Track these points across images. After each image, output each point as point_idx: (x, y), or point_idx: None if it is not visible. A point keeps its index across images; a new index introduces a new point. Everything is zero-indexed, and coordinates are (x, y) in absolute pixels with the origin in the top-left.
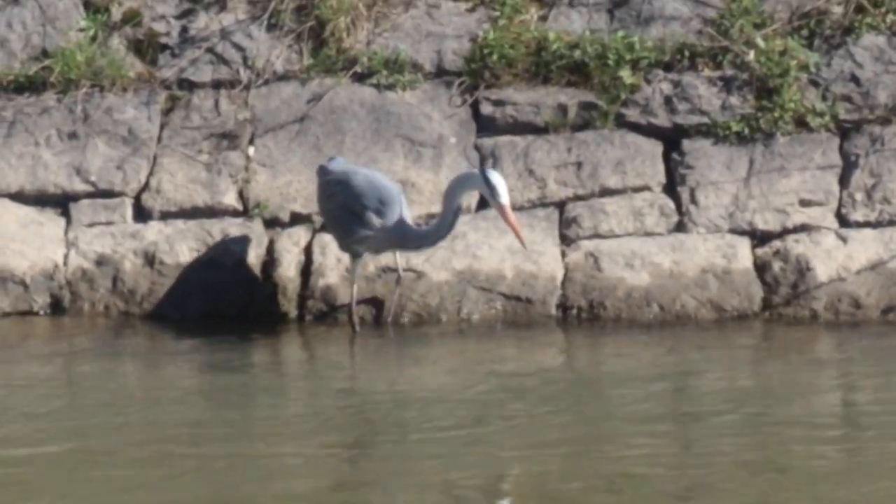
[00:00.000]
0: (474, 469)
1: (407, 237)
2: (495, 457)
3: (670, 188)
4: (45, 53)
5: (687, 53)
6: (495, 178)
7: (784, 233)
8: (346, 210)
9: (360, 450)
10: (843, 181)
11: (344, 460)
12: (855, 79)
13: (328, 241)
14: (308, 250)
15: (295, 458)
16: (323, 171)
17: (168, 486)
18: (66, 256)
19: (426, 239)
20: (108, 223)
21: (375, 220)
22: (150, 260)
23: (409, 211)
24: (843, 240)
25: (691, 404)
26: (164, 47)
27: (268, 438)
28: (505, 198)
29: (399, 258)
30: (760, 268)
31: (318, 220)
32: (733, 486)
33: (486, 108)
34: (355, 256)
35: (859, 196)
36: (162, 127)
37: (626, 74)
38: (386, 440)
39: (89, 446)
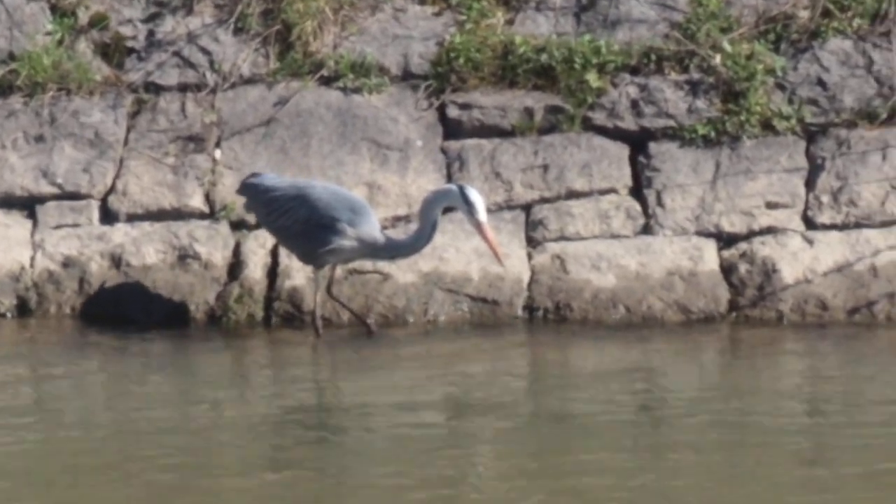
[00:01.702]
0: (430, 472)
1: (384, 247)
2: (454, 460)
3: (637, 191)
4: (11, 57)
5: (653, 57)
6: (473, 194)
7: (750, 235)
8: (311, 224)
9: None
10: (810, 184)
11: (297, 462)
12: (821, 82)
13: None
14: (274, 252)
15: (251, 458)
16: (256, 189)
17: (135, 489)
18: (32, 258)
19: (404, 249)
20: (75, 225)
21: (350, 231)
22: (116, 262)
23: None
24: (810, 242)
25: (656, 406)
26: (131, 51)
27: (227, 438)
28: (482, 214)
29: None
30: (727, 270)
31: None
32: (694, 490)
33: (453, 112)
34: (319, 267)
35: (825, 199)
36: (128, 130)
37: (592, 78)
38: (335, 447)
39: (54, 452)
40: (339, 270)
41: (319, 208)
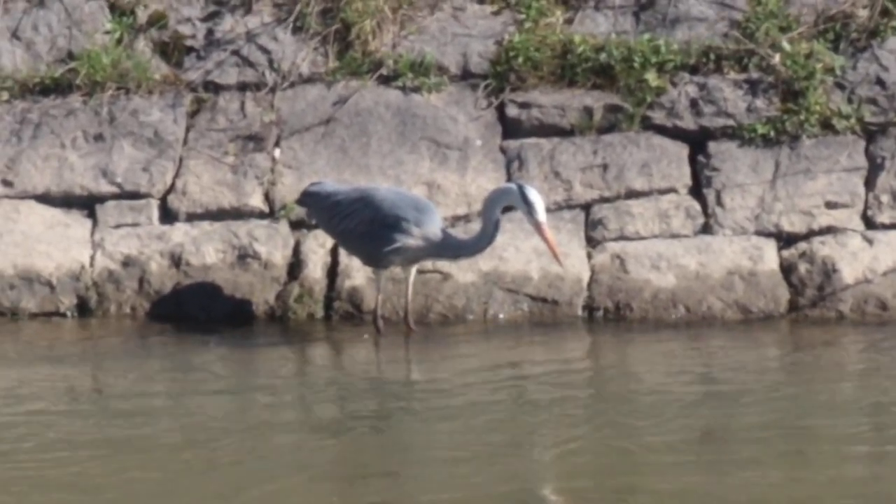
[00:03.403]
0: (492, 472)
1: (448, 246)
2: (514, 460)
3: (696, 190)
4: (70, 56)
5: (712, 56)
6: (532, 194)
7: (810, 235)
8: (376, 224)
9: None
10: (869, 183)
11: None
12: (880, 81)
13: None
14: (334, 252)
15: (312, 455)
16: (319, 195)
17: (199, 490)
18: (92, 258)
19: (467, 249)
20: (135, 225)
21: (415, 230)
22: (176, 261)
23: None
24: (869, 241)
25: (718, 407)
26: (190, 49)
27: (287, 437)
28: (542, 214)
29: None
30: (786, 270)
31: None
32: (757, 494)
33: (512, 111)
34: (384, 268)
35: (885, 198)
36: (188, 129)
37: (651, 77)
38: (398, 446)
39: (118, 450)
40: (399, 268)
41: (384, 208)
